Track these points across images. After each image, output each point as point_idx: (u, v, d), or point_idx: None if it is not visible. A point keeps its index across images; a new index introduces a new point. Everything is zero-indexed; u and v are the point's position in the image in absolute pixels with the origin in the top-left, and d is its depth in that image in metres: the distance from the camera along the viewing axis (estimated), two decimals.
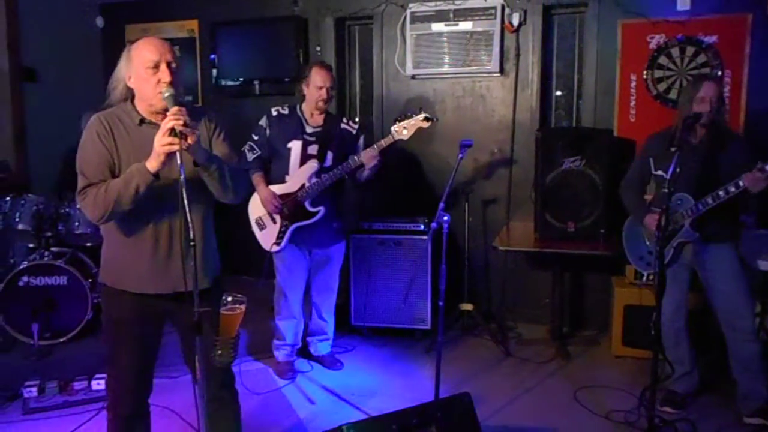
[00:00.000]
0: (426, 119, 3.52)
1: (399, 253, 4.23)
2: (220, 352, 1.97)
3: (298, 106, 3.66)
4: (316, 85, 3.55)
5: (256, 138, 3.64)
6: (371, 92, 4.91)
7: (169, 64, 2.14)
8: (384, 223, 4.30)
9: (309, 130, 3.60)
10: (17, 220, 4.04)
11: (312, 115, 3.62)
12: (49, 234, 4.06)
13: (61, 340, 3.84)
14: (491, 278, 4.70)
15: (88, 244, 4.15)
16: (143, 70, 2.14)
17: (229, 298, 1.99)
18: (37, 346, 3.71)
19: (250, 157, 3.63)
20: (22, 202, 4.09)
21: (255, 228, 3.70)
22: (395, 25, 4.65)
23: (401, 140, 3.55)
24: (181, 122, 1.98)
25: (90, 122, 2.21)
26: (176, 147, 1.97)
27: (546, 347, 4.20)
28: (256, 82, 5.11)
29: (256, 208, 3.68)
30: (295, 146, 3.57)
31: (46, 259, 3.91)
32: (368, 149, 3.52)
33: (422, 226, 4.25)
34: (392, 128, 3.55)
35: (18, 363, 3.67)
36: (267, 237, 3.66)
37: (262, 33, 5.04)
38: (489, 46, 4.37)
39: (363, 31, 5.00)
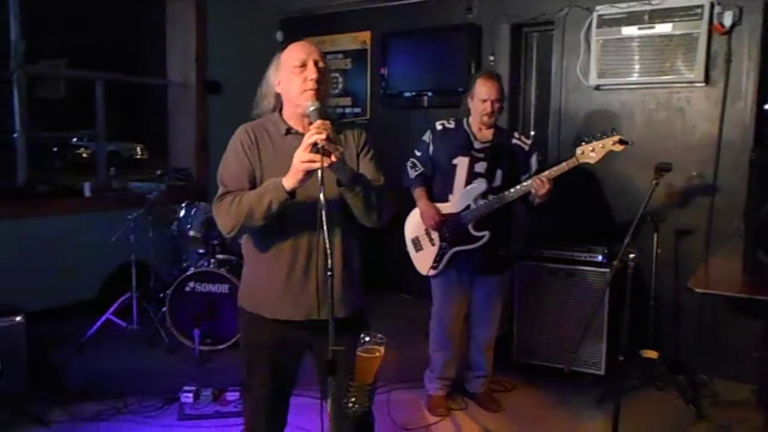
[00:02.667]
0: (621, 142, 3.19)
1: (571, 285, 3.87)
2: (353, 399, 1.78)
3: (465, 120, 3.47)
4: (480, 98, 3.33)
5: (418, 154, 3.51)
6: (548, 105, 4.60)
7: (316, 63, 2.08)
8: (556, 250, 3.96)
9: (477, 145, 3.39)
10: (189, 226, 4.23)
11: (480, 130, 3.41)
12: (216, 242, 4.20)
13: (220, 347, 3.92)
14: (682, 322, 4.12)
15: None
16: (290, 69, 2.10)
17: (367, 338, 1.78)
18: (197, 352, 3.82)
19: (412, 174, 3.50)
20: (195, 209, 4.28)
21: (410, 248, 3.55)
22: (578, 31, 4.30)
23: (587, 163, 3.23)
24: (324, 137, 1.85)
25: (237, 132, 2.19)
26: (317, 164, 1.85)
27: (751, 412, 3.54)
28: (425, 94, 4.99)
29: (413, 227, 3.54)
30: (461, 163, 3.38)
31: (211, 266, 4.03)
32: (537, 177, 3.23)
33: (600, 257, 3.86)
34: (577, 150, 3.24)
35: (179, 366, 3.81)
36: (423, 259, 3.49)
37: (433, 42, 4.92)
38: (691, 51, 3.82)
39: (542, 38, 4.71)
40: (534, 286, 3.94)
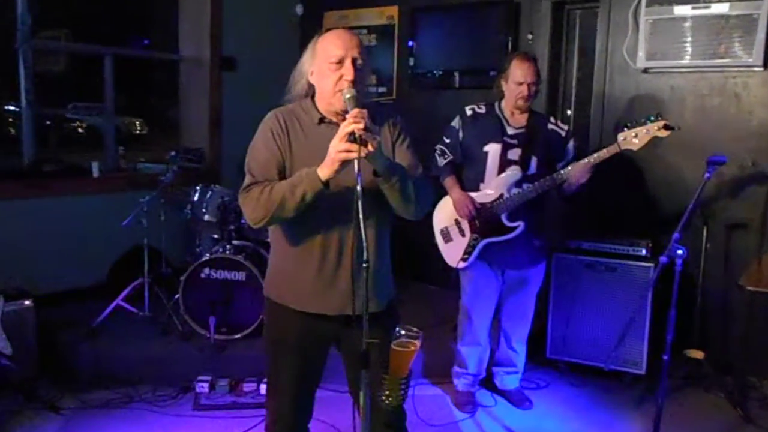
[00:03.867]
0: (666, 128, 3.24)
1: (612, 280, 3.94)
2: (387, 392, 1.88)
3: (497, 104, 3.53)
4: (515, 81, 3.39)
5: (447, 141, 3.57)
6: (590, 88, 4.64)
7: (354, 61, 2.11)
8: (595, 243, 4.04)
9: (510, 131, 3.46)
10: (204, 210, 4.35)
11: (513, 114, 3.49)
12: (232, 227, 4.31)
13: (236, 336, 4.03)
14: (730, 322, 4.17)
15: (269, 240, 4.35)
16: (326, 65, 2.13)
17: (402, 332, 1.90)
18: (212, 340, 3.94)
19: (441, 162, 3.57)
20: (210, 192, 4.39)
21: (439, 240, 3.64)
22: (627, 9, 4.35)
23: (629, 150, 3.29)
24: (361, 126, 1.92)
25: (266, 118, 2.25)
26: (354, 154, 1.92)
27: None
28: (456, 74, 5.07)
29: (442, 217, 3.62)
30: (493, 150, 3.45)
31: (227, 252, 4.14)
32: (579, 163, 3.30)
33: (644, 251, 3.93)
34: (618, 136, 3.31)
35: (194, 355, 3.92)
36: (453, 251, 3.58)
37: (467, 19, 4.98)
38: (750, 33, 3.86)
39: (586, 15, 4.75)
40: (571, 280, 4.00)
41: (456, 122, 3.57)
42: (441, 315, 4.39)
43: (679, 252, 2.63)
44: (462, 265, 3.54)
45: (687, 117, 4.21)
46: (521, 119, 3.48)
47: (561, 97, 4.87)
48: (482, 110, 3.53)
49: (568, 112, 4.84)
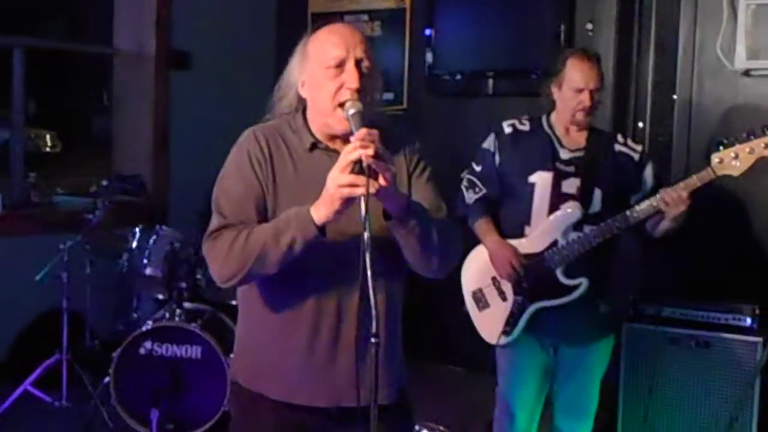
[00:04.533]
0: None
1: (704, 360, 3.96)
2: None
3: (545, 119, 3.57)
4: (573, 87, 3.42)
5: (478, 169, 3.60)
6: (671, 94, 4.75)
7: (358, 63, 2.14)
8: (681, 309, 4.08)
9: (564, 155, 3.49)
10: (145, 262, 4.39)
11: (568, 132, 3.52)
12: (184, 285, 4.34)
13: None
14: None
15: (234, 302, 4.36)
16: (321, 70, 2.15)
17: (423, 431, 1.92)
18: None
19: (470, 197, 3.60)
20: (154, 237, 4.44)
21: (471, 306, 3.64)
22: None
23: (727, 176, 3.31)
24: (371, 153, 1.93)
25: (242, 139, 2.28)
26: (361, 190, 1.92)
27: None
28: (490, 76, 5.13)
29: (475, 275, 3.62)
30: (542, 181, 3.47)
31: (177, 319, 4.17)
32: (671, 189, 3.29)
33: (748, 320, 3.94)
34: (713, 157, 3.31)
35: None
36: (490, 322, 3.57)
37: (504, 3, 5.10)
38: None
39: (665, 1, 4.84)
40: (648, 360, 4.01)
41: (490, 143, 3.59)
42: (469, 407, 4.39)
43: None
44: (504, 340, 3.52)
45: None
46: (579, 139, 3.51)
47: (632, 108, 4.95)
48: (525, 126, 3.57)
49: (640, 124, 4.90)
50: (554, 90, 3.50)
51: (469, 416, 4.28)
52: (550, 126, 3.54)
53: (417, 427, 1.96)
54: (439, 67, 5.34)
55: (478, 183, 3.58)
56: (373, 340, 1.84)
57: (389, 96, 5.58)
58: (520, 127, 3.57)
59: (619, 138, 3.60)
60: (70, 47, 5.88)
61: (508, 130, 3.57)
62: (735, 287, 4.26)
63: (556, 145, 3.50)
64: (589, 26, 4.86)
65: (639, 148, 3.58)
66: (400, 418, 2.23)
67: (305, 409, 2.24)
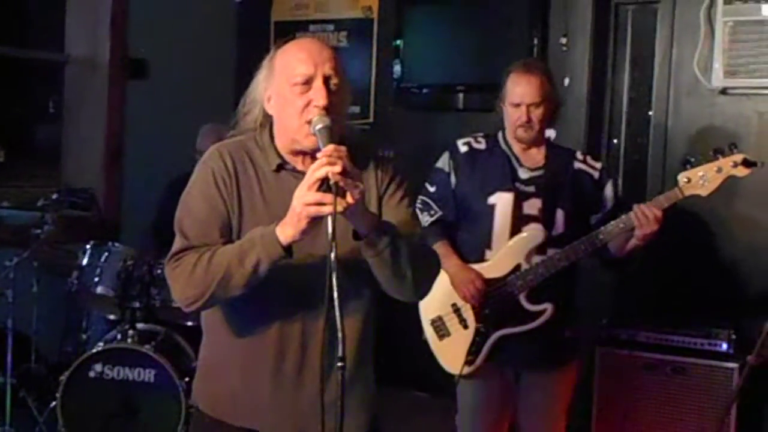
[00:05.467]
0: (745, 164, 3.30)
1: (680, 386, 4.03)
2: None
3: (501, 136, 3.59)
4: (511, 102, 3.46)
5: (432, 190, 3.59)
6: (647, 112, 4.81)
7: (327, 80, 2.15)
8: (656, 333, 4.13)
9: (524, 174, 3.51)
10: (96, 280, 4.34)
11: (525, 150, 3.54)
12: (138, 304, 4.30)
13: None
14: None
15: (190, 324, 4.34)
16: (288, 87, 2.17)
17: None
18: None
19: (425, 220, 3.57)
20: (105, 254, 4.39)
21: (430, 335, 3.62)
22: (698, 7, 4.52)
23: (695, 196, 3.35)
24: (338, 169, 1.94)
25: (206, 157, 2.29)
26: (327, 208, 1.93)
27: None
28: (460, 90, 5.17)
29: (433, 302, 3.54)
30: (502, 202, 3.47)
31: (129, 341, 4.14)
32: (645, 206, 3.31)
33: (724, 345, 4.01)
34: (680, 177, 3.36)
35: None
36: (452, 351, 3.56)
37: (477, 13, 5.12)
38: None
39: (640, 14, 4.91)
40: (622, 386, 4.07)
41: (445, 163, 3.59)
42: None
43: None
44: (467, 370, 3.51)
45: None
46: (537, 156, 3.53)
47: (606, 123, 5.00)
48: (482, 145, 3.58)
49: (615, 141, 4.96)
50: (501, 106, 3.53)
51: None
52: (507, 144, 3.56)
53: None
54: (407, 80, 5.36)
55: (433, 205, 3.58)
56: (339, 364, 1.84)
57: (355, 109, 5.57)
58: (476, 145, 3.58)
59: (578, 155, 3.62)
60: (19, 53, 5.80)
61: (463, 149, 3.58)
62: (711, 311, 4.32)
63: (515, 163, 3.52)
64: (563, 40, 4.90)
65: (598, 165, 3.60)
66: None
67: None
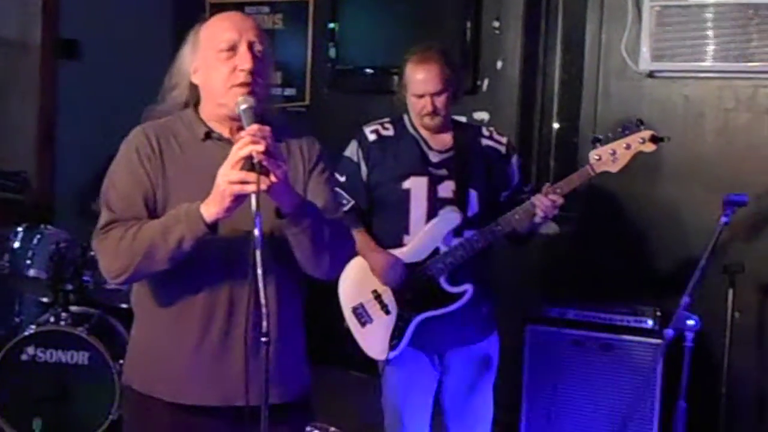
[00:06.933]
0: (653, 140, 3.39)
1: (607, 362, 4.12)
2: None
3: (407, 119, 3.62)
4: (413, 93, 3.49)
5: (342, 179, 3.55)
6: (579, 94, 4.89)
7: (251, 46, 2.23)
8: (584, 311, 4.22)
9: (434, 158, 3.54)
10: (28, 263, 4.35)
11: (432, 134, 3.57)
12: (71, 287, 4.32)
13: None
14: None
15: (124, 306, 4.35)
16: (214, 54, 2.24)
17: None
18: None
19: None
20: (38, 236, 4.41)
21: (352, 322, 3.64)
22: None
23: (606, 172, 3.43)
24: (261, 149, 2.00)
25: (131, 136, 2.34)
26: (251, 187, 1.99)
27: None
28: (395, 72, 5.13)
29: (353, 290, 3.61)
30: (417, 186, 3.51)
31: (62, 323, 4.16)
32: (546, 190, 3.38)
33: (650, 322, 4.12)
34: (591, 154, 3.44)
35: None
36: (374, 337, 3.59)
37: None
38: None
39: None
40: (552, 362, 4.15)
41: (353, 152, 3.60)
42: (372, 412, 4.45)
43: (690, 323, 2.77)
44: (392, 355, 3.54)
45: (708, 139, 4.46)
46: (445, 138, 3.56)
47: (539, 106, 5.08)
48: (390, 131, 3.59)
49: (556, 125, 5.06)
50: (403, 94, 3.57)
51: (369, 421, 4.37)
52: (414, 127, 3.58)
53: (308, 429, 2.00)
54: (342, 63, 5.40)
55: (345, 195, 3.54)
56: (263, 339, 1.90)
57: (291, 92, 5.62)
58: (384, 132, 3.60)
59: (484, 131, 3.67)
60: None
61: (371, 137, 3.59)
62: (637, 290, 4.43)
63: (424, 147, 3.55)
64: (496, 24, 4.95)
65: (504, 140, 3.66)
66: (300, 419, 2.31)
67: (198, 410, 2.28)
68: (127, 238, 2.17)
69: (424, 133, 3.55)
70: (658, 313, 4.13)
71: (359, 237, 3.44)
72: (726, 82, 4.46)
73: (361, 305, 3.60)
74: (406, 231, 3.53)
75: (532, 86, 5.05)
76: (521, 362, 4.11)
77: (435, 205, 3.49)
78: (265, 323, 1.89)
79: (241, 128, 2.11)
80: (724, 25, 4.28)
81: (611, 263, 4.65)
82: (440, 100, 3.44)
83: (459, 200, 3.50)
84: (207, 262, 2.21)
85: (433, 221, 3.49)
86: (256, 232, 1.93)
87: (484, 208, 3.51)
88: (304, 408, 2.43)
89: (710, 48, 4.33)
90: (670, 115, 4.53)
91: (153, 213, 2.24)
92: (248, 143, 2.01)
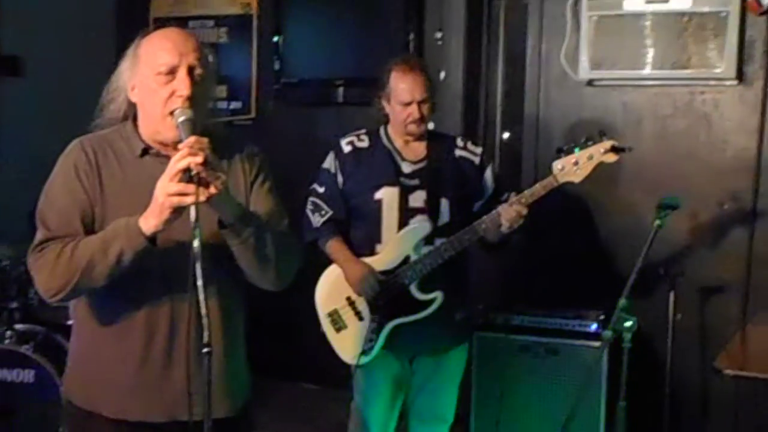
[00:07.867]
0: (614, 150, 3.44)
1: (553, 366, 4.17)
2: None
3: (383, 131, 3.67)
4: (400, 101, 3.53)
5: (321, 190, 3.65)
6: (521, 104, 4.94)
7: (191, 71, 2.20)
8: (530, 317, 4.27)
9: (407, 168, 3.61)
10: None
11: (407, 143, 3.64)
12: (15, 304, 4.29)
13: None
14: (712, 418, 4.49)
15: (70, 323, 4.30)
16: (152, 76, 2.20)
17: None
18: None
19: (317, 221, 3.64)
20: None
21: (327, 328, 3.69)
22: (563, 2, 4.66)
23: (569, 183, 3.49)
24: (200, 160, 1.99)
25: (68, 150, 2.32)
26: (190, 198, 1.98)
27: None
28: (339, 84, 5.26)
29: (329, 296, 3.69)
30: (389, 196, 3.57)
31: (7, 341, 4.10)
32: (508, 206, 3.43)
33: (594, 326, 4.17)
34: (554, 165, 3.48)
35: None
36: (348, 342, 3.64)
37: (355, 9, 5.21)
38: (719, 36, 4.25)
39: (513, 9, 5.04)
40: (500, 367, 4.17)
41: (330, 163, 3.66)
42: (323, 424, 4.48)
43: (627, 324, 2.81)
44: (364, 360, 3.60)
45: (646, 144, 4.54)
46: (419, 149, 3.63)
47: (484, 116, 5.14)
48: (364, 143, 3.65)
49: (505, 135, 5.11)
50: (384, 104, 3.60)
51: None
52: (389, 139, 3.64)
53: None
54: (287, 75, 5.43)
55: (323, 205, 3.63)
56: (204, 350, 1.89)
57: (237, 105, 5.63)
58: (359, 144, 3.66)
59: (459, 142, 3.73)
60: None
61: (347, 149, 3.65)
62: (582, 293, 4.48)
63: (397, 158, 3.61)
64: (438, 35, 5.00)
65: (479, 151, 3.73)
66: (245, 430, 2.31)
67: (142, 426, 2.27)
68: (64, 255, 2.14)
69: (398, 144, 3.62)
70: (602, 317, 4.18)
71: (335, 246, 3.59)
72: (663, 89, 4.56)
73: (336, 311, 3.67)
74: (379, 240, 3.59)
75: (475, 96, 5.11)
76: (469, 370, 4.10)
77: (406, 215, 3.56)
78: (206, 333, 1.89)
79: (179, 142, 2.08)
80: (660, 34, 4.37)
81: (557, 268, 4.71)
82: (425, 108, 3.52)
83: (430, 209, 3.56)
84: (147, 276, 2.19)
85: (404, 230, 3.55)
86: (196, 243, 1.93)
87: (455, 216, 3.57)
88: (247, 422, 2.44)
89: (647, 56, 4.42)
90: (610, 122, 4.60)
91: (90, 230, 2.21)
92: (186, 155, 1.99)
